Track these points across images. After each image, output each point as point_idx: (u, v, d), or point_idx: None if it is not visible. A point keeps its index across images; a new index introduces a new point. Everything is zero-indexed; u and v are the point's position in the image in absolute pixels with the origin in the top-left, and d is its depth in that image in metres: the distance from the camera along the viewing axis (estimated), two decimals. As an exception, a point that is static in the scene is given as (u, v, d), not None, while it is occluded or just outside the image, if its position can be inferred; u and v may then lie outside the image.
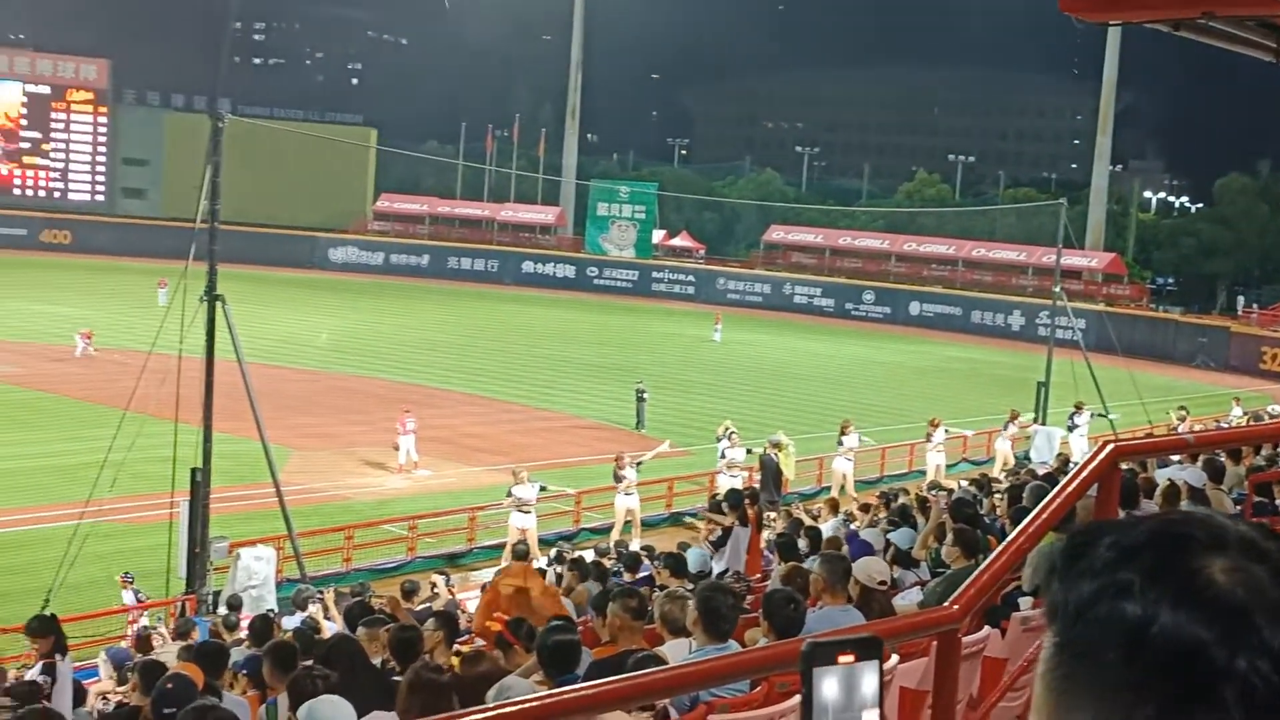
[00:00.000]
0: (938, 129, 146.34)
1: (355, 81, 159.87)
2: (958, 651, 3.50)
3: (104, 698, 13.68)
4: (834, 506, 22.16)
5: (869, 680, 1.85)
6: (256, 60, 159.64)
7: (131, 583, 22.91)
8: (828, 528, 18.14)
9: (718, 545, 18.14)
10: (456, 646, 11.05)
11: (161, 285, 57.19)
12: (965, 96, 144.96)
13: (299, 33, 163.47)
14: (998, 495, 17.61)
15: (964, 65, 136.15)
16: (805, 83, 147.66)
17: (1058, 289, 47.68)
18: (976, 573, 3.65)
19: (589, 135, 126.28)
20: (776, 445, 31.33)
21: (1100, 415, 40.89)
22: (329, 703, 6.98)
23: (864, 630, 2.66)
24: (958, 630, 3.45)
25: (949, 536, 11.02)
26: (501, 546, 27.70)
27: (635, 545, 23.52)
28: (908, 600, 10.35)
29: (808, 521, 19.02)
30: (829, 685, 1.83)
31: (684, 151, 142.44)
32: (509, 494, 28.39)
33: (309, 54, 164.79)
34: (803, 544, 14.95)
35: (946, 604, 3.45)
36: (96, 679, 16.18)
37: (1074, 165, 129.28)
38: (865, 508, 22.15)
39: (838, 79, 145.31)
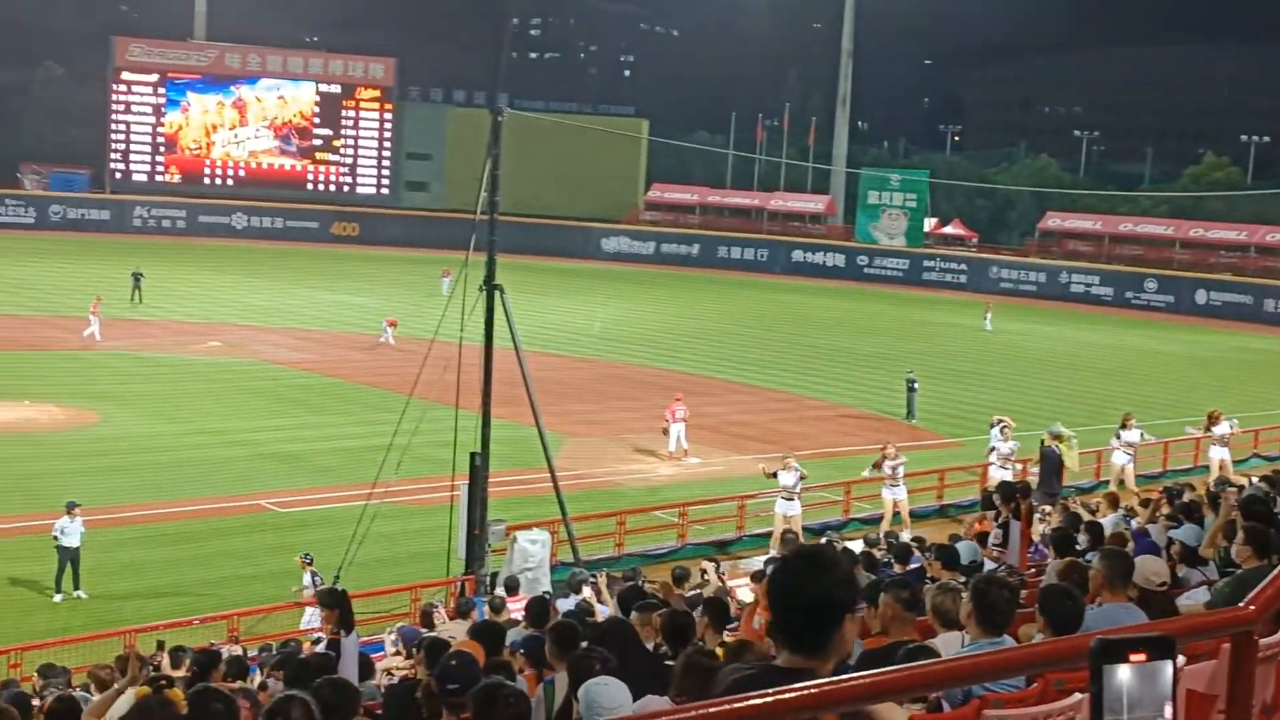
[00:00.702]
0: (1228, 109, 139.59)
1: (627, 74, 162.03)
2: (1254, 654, 3.36)
3: (389, 673, 14.25)
4: (1113, 501, 21.43)
5: (1163, 680, 1.80)
6: (533, 55, 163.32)
7: (310, 564, 23.63)
8: (1107, 523, 17.56)
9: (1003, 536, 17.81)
10: (725, 633, 11.14)
11: (445, 275, 59.08)
12: (1259, 74, 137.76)
13: (573, 27, 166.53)
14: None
15: (1257, 41, 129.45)
16: (1084, 64, 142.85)
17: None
18: (1277, 572, 3.50)
19: (859, 123, 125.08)
20: (1057, 437, 30.35)
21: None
22: (607, 684, 7.13)
23: (1154, 629, 2.59)
24: (1253, 632, 3.31)
25: (1239, 535, 10.54)
26: (770, 535, 27.78)
27: (905, 536, 23.24)
28: (1193, 600, 9.95)
29: (1085, 516, 18.45)
30: (1120, 683, 1.79)
31: (956, 138, 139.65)
32: (773, 474, 28.44)
33: (583, 48, 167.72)
34: (1082, 539, 14.52)
35: (1241, 604, 3.32)
36: (382, 654, 16.87)
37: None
38: (1146, 503, 21.36)
39: (1118, 59, 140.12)
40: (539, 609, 12.97)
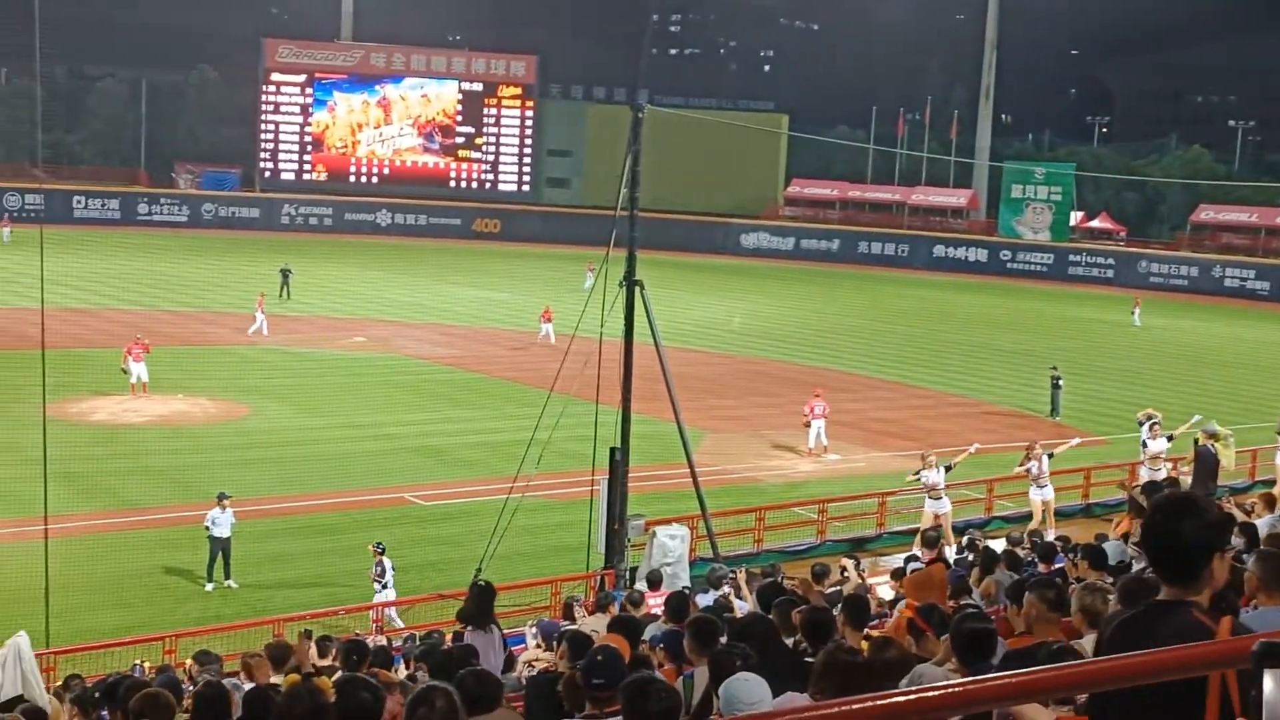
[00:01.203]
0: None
1: (767, 69, 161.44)
2: None
3: (530, 665, 14.39)
4: (1269, 502, 20.81)
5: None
6: (673, 51, 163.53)
7: (382, 553, 23.79)
8: (1263, 524, 17.07)
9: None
10: (866, 631, 11.05)
11: (590, 269, 59.49)
12: None
13: (713, 23, 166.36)
14: None
15: None
16: (1237, 51, 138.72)
17: None
18: None
19: (1003, 116, 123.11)
20: (1213, 436, 29.50)
21: None
22: (748, 680, 7.12)
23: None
24: None
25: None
26: (912, 532, 27.47)
27: (1050, 536, 22.84)
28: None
29: (1240, 517, 17.96)
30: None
31: (1104, 129, 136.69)
32: (915, 475, 28.13)
33: (723, 43, 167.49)
34: (1237, 540, 14.12)
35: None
36: (523, 646, 17.03)
37: None
38: (1305, 503, 20.68)
39: (1274, 45, 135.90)
40: (678, 604, 12.99)
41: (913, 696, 2.98)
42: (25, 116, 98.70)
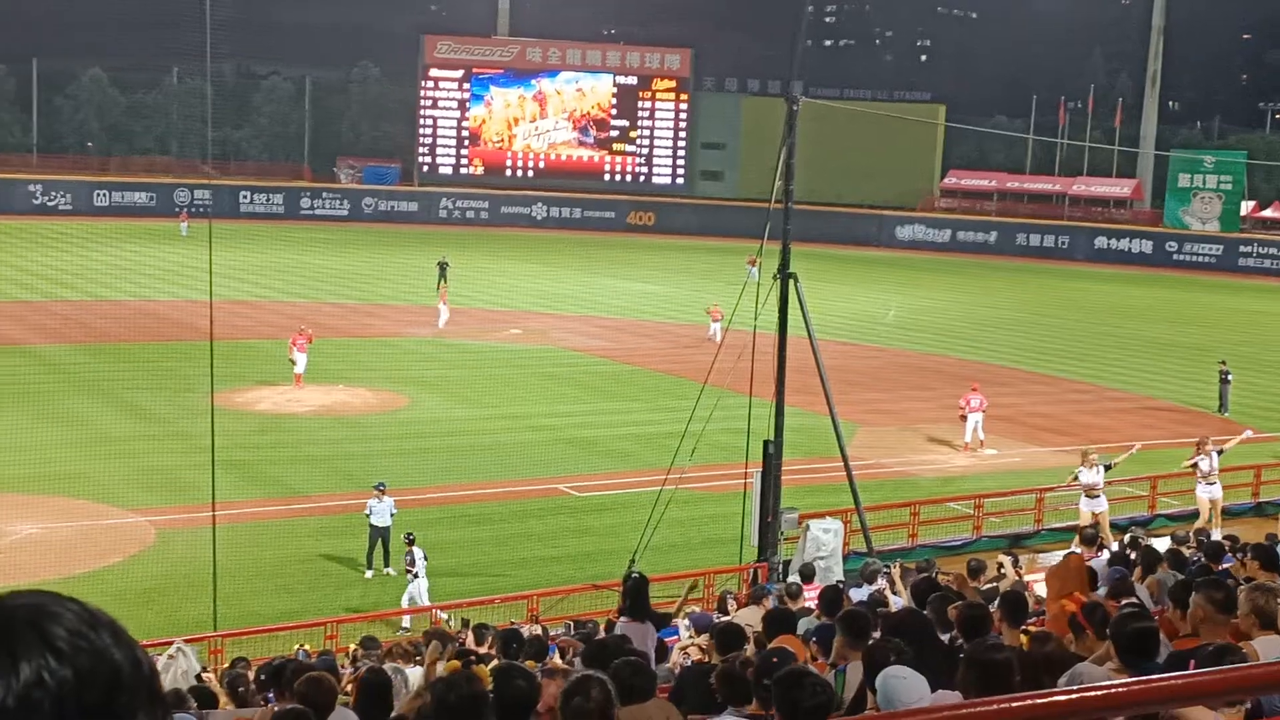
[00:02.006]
0: None
1: (924, 59, 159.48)
2: None
3: (685, 653, 14.45)
4: None
5: None
6: (827, 42, 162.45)
7: (412, 543, 23.87)
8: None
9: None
10: (1024, 627, 10.87)
11: (751, 263, 59.37)
12: None
13: (869, 13, 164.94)
14: None
15: None
16: None
17: None
18: None
19: (1169, 103, 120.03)
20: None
21: None
22: (906, 678, 7.06)
23: None
24: None
25: None
26: (1070, 530, 26.96)
27: (1216, 535, 22.22)
28: None
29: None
30: None
31: (1277, 116, 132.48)
32: (1074, 477, 27.58)
33: (879, 34, 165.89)
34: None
35: None
36: (676, 637, 17.08)
37: None
38: None
39: None
40: (832, 598, 12.92)
41: (1074, 696, 2.93)
42: (196, 114, 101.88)
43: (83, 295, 57.74)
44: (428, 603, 23.31)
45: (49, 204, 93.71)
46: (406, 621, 23.01)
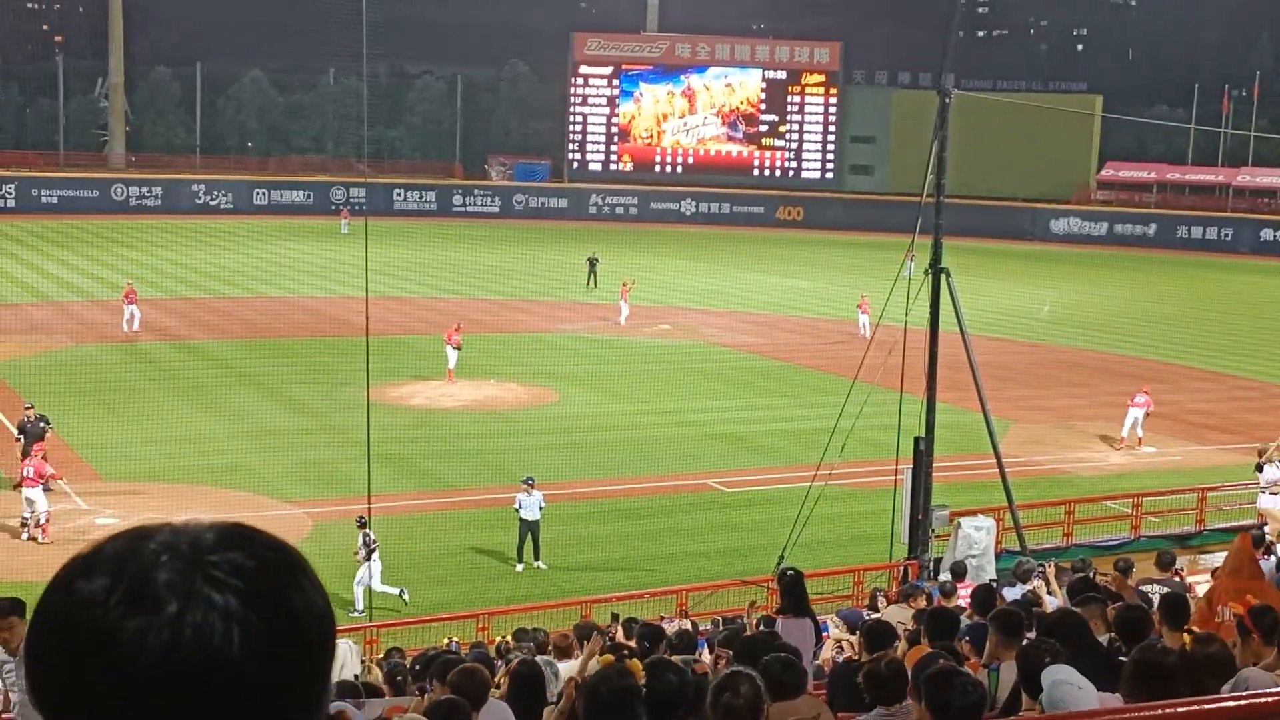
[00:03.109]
0: None
1: (1080, 48, 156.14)
2: None
3: (839, 647, 14.39)
4: None
5: None
6: (980, 33, 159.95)
7: (363, 526, 23.70)
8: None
9: None
10: (1187, 628, 10.60)
11: (911, 258, 58.68)
12: None
13: (1023, 3, 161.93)
14: None
15: None
16: None
17: None
18: None
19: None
20: None
21: None
22: (1079, 683, 6.89)
23: None
24: None
25: None
26: (1234, 530, 26.19)
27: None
28: None
29: None
30: None
31: None
32: (1258, 469, 26.83)
33: (1033, 23, 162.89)
34: None
35: None
36: (826, 634, 16.99)
37: None
38: None
39: None
40: (985, 597, 12.74)
41: (1244, 702, 2.85)
42: (352, 114, 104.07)
43: (243, 291, 59.31)
44: (380, 586, 23.49)
45: (211, 203, 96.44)
46: (360, 605, 23.19)
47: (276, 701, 1.43)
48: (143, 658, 1.39)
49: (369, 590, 23.11)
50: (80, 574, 1.45)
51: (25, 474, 26.25)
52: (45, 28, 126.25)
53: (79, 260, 67.71)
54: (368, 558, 23.27)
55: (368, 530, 23.59)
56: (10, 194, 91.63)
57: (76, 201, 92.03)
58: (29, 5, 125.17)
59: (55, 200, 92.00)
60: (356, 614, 22.69)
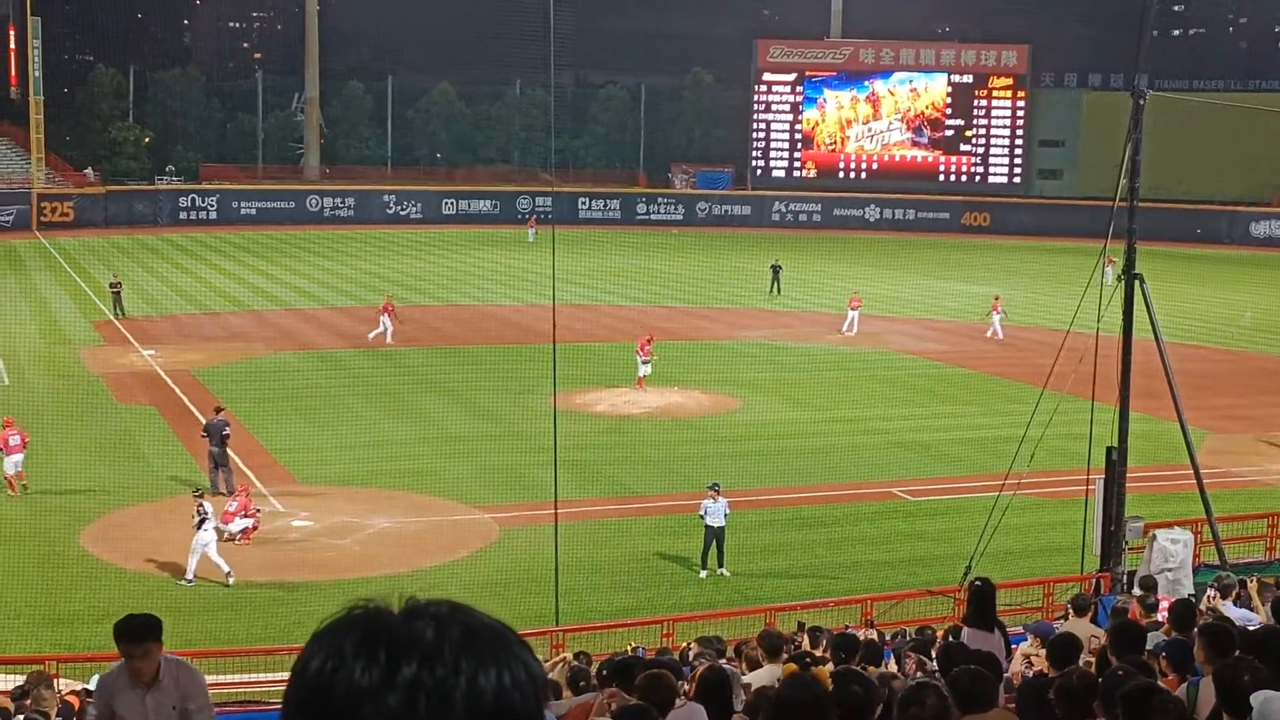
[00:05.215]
0: None
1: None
2: None
3: (1028, 661, 14.13)
4: None
5: None
6: (1175, 32, 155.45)
7: (200, 496, 25.17)
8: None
9: None
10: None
11: (1110, 263, 57.40)
12: None
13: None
14: None
15: None
16: None
17: None
18: None
19: None
20: None
21: None
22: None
23: None
24: None
25: None
26: None
27: None
28: None
29: None
30: None
31: None
32: None
33: (1232, 20, 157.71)
34: None
35: None
36: (1015, 646, 16.68)
37: None
38: None
39: None
40: (1184, 612, 12.38)
41: None
42: (538, 124, 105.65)
43: (431, 300, 60.54)
44: (215, 558, 24.49)
45: (401, 213, 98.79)
46: (190, 574, 24.41)
47: None
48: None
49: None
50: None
51: (228, 508, 26.87)
52: (245, 45, 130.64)
53: (275, 270, 69.95)
54: (198, 527, 24.48)
55: (203, 501, 24.92)
56: (212, 206, 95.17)
57: (274, 213, 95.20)
58: (230, 24, 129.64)
59: (254, 211, 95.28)
60: (185, 583, 24.31)
